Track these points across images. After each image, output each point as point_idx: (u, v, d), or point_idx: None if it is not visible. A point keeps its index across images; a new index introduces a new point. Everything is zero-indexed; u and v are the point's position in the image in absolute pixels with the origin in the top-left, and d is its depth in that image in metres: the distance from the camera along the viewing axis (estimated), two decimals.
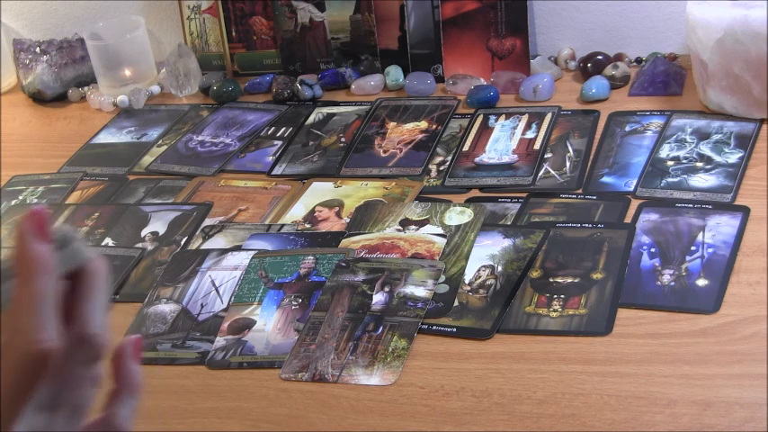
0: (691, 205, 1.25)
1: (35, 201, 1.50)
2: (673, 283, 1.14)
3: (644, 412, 0.99)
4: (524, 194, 1.34)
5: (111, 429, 0.66)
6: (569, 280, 1.17)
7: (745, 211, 1.23)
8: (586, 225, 1.25)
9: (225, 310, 1.21)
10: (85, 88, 1.78)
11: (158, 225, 1.39)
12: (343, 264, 1.23)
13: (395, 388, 1.07)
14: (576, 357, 1.07)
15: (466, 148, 1.45)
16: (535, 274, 1.19)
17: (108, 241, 1.38)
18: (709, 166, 1.32)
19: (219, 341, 1.17)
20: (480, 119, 1.51)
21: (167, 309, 1.23)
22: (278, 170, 1.49)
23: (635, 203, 1.28)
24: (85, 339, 0.63)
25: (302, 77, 1.66)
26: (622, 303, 1.13)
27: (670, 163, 1.34)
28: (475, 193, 1.37)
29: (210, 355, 1.16)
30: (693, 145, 1.36)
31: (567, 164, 1.38)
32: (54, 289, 0.62)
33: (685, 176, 1.31)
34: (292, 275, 1.24)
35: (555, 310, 1.13)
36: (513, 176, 1.38)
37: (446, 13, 1.61)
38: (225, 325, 1.19)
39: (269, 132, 1.58)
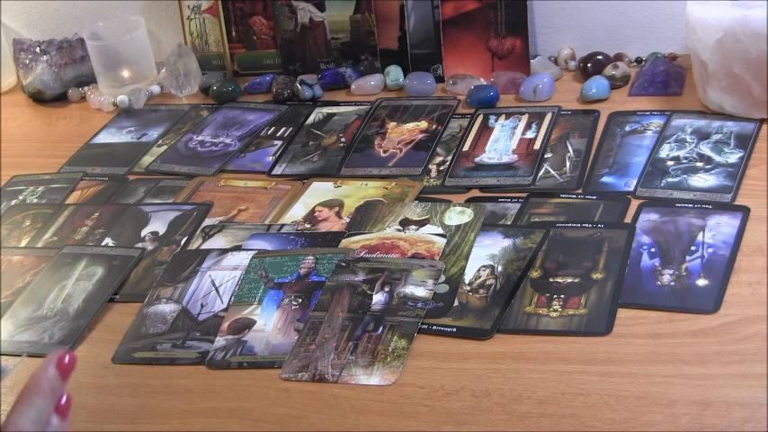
0: (691, 205, 1.25)
1: (35, 201, 1.50)
2: (673, 283, 1.14)
3: (644, 412, 0.99)
4: (524, 194, 1.34)
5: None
6: (569, 280, 1.17)
7: (745, 211, 1.23)
8: (586, 225, 1.25)
9: (225, 310, 1.21)
10: (85, 88, 1.78)
11: (158, 225, 1.39)
12: (343, 264, 1.23)
13: (395, 388, 1.07)
14: (576, 357, 1.07)
15: (466, 148, 1.45)
16: (535, 274, 1.19)
17: (108, 241, 1.38)
18: (709, 166, 1.32)
19: (219, 341, 1.17)
20: (480, 119, 1.51)
21: (167, 309, 1.23)
22: (278, 170, 1.49)
23: (635, 203, 1.28)
24: None
25: (302, 77, 1.66)
26: (622, 303, 1.13)
27: (670, 163, 1.34)
28: (475, 193, 1.37)
29: (210, 355, 1.16)
30: (693, 145, 1.36)
31: (567, 164, 1.38)
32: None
33: (685, 176, 1.31)
34: (292, 275, 1.24)
35: (555, 310, 1.13)
36: (513, 176, 1.38)
37: (446, 13, 1.61)
38: (225, 325, 1.19)
39: (269, 132, 1.58)
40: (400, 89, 1.64)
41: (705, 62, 1.39)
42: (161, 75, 1.76)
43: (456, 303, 1.16)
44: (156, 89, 1.74)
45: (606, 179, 1.34)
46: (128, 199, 1.48)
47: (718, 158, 1.33)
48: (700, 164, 1.33)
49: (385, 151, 1.48)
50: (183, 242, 1.35)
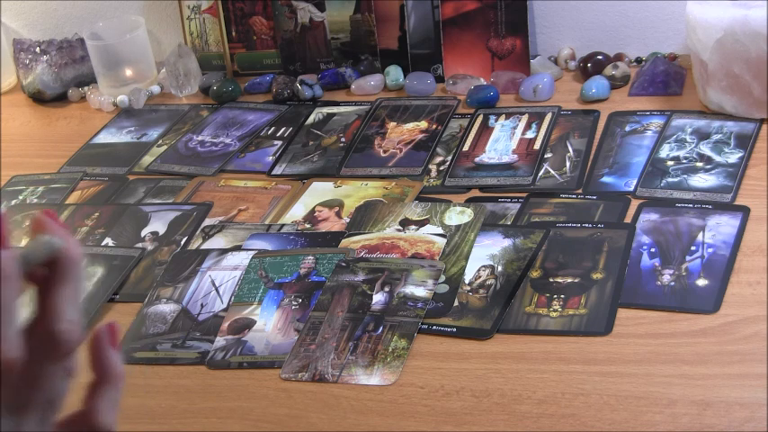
0: (691, 205, 1.25)
1: (35, 201, 1.50)
2: (673, 283, 1.14)
3: (644, 412, 0.99)
4: (524, 194, 1.34)
5: (90, 424, 0.63)
6: (569, 280, 1.17)
7: (745, 211, 1.23)
8: (586, 225, 1.25)
9: (225, 310, 1.21)
10: (85, 88, 1.78)
11: (158, 225, 1.39)
12: (343, 264, 1.23)
13: (395, 388, 1.07)
14: (576, 357, 1.07)
15: (466, 148, 1.45)
16: (535, 274, 1.19)
17: (108, 241, 1.38)
18: (709, 166, 1.32)
19: (219, 341, 1.17)
20: (480, 119, 1.51)
21: (167, 309, 1.23)
22: (278, 170, 1.49)
23: (635, 203, 1.28)
24: (54, 335, 0.60)
25: (302, 77, 1.66)
26: (622, 303, 1.13)
27: (670, 163, 1.34)
28: (475, 193, 1.37)
29: (210, 355, 1.16)
30: (693, 145, 1.36)
31: (567, 164, 1.38)
32: (14, 296, 0.58)
33: (685, 176, 1.31)
34: (292, 275, 1.24)
35: (555, 310, 1.13)
36: (513, 176, 1.38)
37: (446, 13, 1.61)
38: (225, 325, 1.19)
39: (269, 132, 1.58)
40: (400, 89, 1.64)
41: (705, 62, 1.39)
42: (161, 75, 1.76)
43: (456, 303, 1.16)
44: (156, 89, 1.74)
45: (606, 179, 1.34)
46: (128, 199, 1.47)
47: (718, 158, 1.33)
48: (700, 164, 1.33)
49: (385, 151, 1.48)
50: (183, 242, 1.35)
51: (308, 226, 1.34)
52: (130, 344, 1.19)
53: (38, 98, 1.79)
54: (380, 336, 1.13)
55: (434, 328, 1.14)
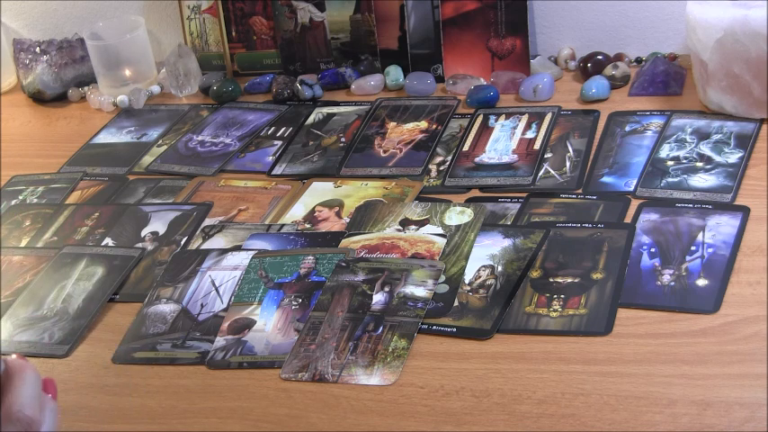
0: (691, 205, 1.25)
1: (35, 201, 1.50)
2: (673, 283, 1.14)
3: (644, 412, 0.99)
4: (524, 194, 1.34)
5: None
6: (569, 280, 1.17)
7: (745, 211, 1.23)
8: (586, 225, 1.25)
9: (225, 310, 1.21)
10: (85, 88, 1.78)
11: (158, 225, 1.39)
12: (343, 264, 1.23)
13: (395, 388, 1.07)
14: (576, 357, 1.07)
15: (466, 147, 1.45)
16: (535, 274, 1.19)
17: (108, 241, 1.38)
18: (709, 166, 1.32)
19: (219, 341, 1.17)
20: (480, 119, 1.51)
21: (167, 309, 1.23)
22: (278, 170, 1.49)
23: (635, 203, 1.28)
24: None
25: (302, 77, 1.66)
26: (622, 303, 1.13)
27: (670, 163, 1.34)
28: (475, 193, 1.37)
29: (210, 355, 1.16)
30: (693, 145, 1.36)
31: (567, 164, 1.38)
32: None
33: (685, 176, 1.31)
34: (292, 275, 1.24)
35: (555, 310, 1.13)
36: (513, 176, 1.38)
37: (446, 13, 1.61)
38: (225, 325, 1.19)
39: (269, 132, 1.58)
40: (400, 89, 1.64)
41: (705, 62, 1.39)
42: (161, 75, 1.76)
43: (456, 303, 1.16)
44: (156, 89, 1.74)
45: (606, 179, 1.34)
46: (128, 199, 1.48)
47: (718, 158, 1.33)
48: (700, 164, 1.33)
49: (385, 151, 1.48)
50: (183, 242, 1.35)
51: (308, 226, 1.35)
52: (130, 344, 1.19)
53: (38, 98, 1.79)
54: (380, 336, 1.13)
55: (434, 328, 1.14)
